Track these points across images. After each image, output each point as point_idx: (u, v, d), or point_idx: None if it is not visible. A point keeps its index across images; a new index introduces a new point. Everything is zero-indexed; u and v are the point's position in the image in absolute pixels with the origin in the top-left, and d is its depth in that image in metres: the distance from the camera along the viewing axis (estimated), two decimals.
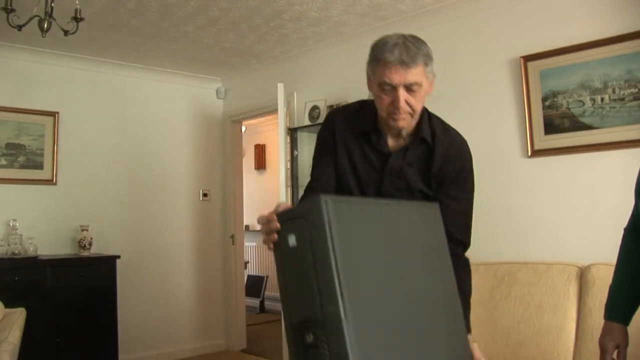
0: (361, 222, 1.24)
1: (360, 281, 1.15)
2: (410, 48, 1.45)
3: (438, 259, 1.41)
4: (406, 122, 1.50)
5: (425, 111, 1.57)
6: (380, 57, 1.46)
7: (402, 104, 1.44)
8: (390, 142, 1.57)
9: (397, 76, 1.42)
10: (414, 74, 1.43)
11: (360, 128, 1.58)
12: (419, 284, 1.30)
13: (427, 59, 1.48)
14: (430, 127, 1.57)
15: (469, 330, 1.45)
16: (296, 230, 1.17)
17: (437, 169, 1.53)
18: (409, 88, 1.44)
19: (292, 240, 1.18)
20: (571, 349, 2.52)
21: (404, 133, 1.54)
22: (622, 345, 1.50)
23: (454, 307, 1.36)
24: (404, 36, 1.48)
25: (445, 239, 1.41)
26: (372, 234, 1.26)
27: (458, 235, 1.54)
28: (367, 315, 1.12)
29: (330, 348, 1.10)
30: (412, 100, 1.45)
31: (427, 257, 1.38)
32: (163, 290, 4.75)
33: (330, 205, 1.15)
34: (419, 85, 1.44)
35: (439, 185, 1.55)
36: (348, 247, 1.15)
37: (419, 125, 1.54)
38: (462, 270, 1.52)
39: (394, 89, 1.44)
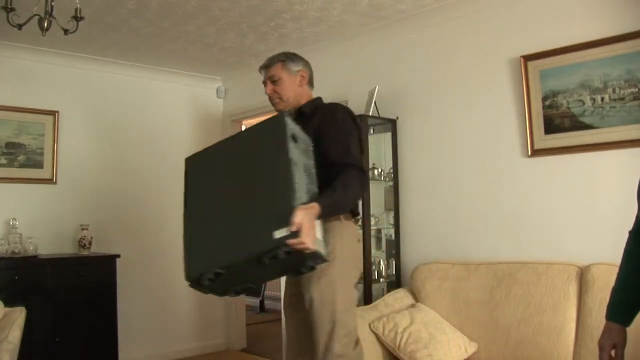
0: (203, 163, 2.14)
1: (196, 198, 2.06)
2: (270, 58, 2.29)
3: (267, 160, 1.89)
4: (281, 105, 2.25)
5: (317, 99, 2.31)
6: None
7: (270, 92, 2.26)
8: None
9: (263, 77, 2.29)
10: (271, 71, 2.25)
11: None
12: (235, 190, 1.94)
13: (284, 60, 2.25)
14: (316, 105, 2.25)
15: (320, 204, 1.84)
16: None
17: (316, 126, 2.12)
18: (272, 81, 2.24)
19: None
20: (571, 349, 2.52)
21: (290, 112, 2.20)
22: (619, 345, 1.52)
23: (272, 196, 1.82)
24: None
25: (284, 139, 1.87)
26: (208, 168, 2.10)
27: (339, 159, 2.02)
28: (195, 219, 2.02)
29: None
30: (277, 88, 2.24)
31: (252, 165, 1.94)
32: (163, 289, 4.75)
33: (188, 159, 2.18)
34: (279, 77, 2.23)
35: (320, 137, 2.07)
36: (195, 181, 2.10)
37: (304, 104, 2.25)
38: (340, 177, 1.97)
39: (265, 84, 2.28)
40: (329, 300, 2.04)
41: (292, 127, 1.97)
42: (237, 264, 1.83)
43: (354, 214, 2.25)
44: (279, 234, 1.72)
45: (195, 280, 1.90)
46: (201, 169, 2.13)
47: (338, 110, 2.19)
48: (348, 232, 2.15)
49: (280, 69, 2.23)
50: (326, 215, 1.90)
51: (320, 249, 1.88)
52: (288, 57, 2.27)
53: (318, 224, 1.88)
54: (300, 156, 1.94)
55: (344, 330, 2.04)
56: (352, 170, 2.01)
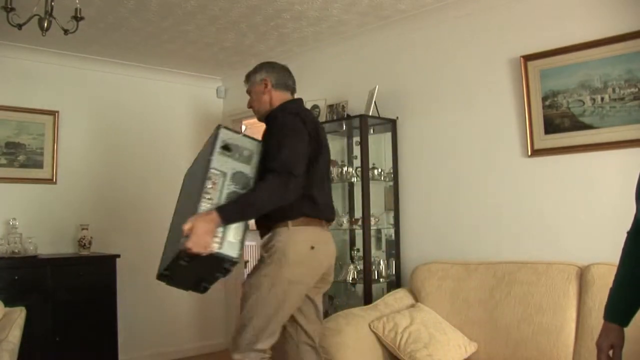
0: (189, 174, 2.50)
1: (176, 208, 2.41)
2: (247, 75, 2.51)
3: (202, 169, 2.08)
4: (257, 115, 2.48)
5: (287, 102, 2.41)
6: None
7: (248, 106, 2.51)
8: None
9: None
10: (247, 87, 2.50)
11: None
12: (187, 199, 2.20)
13: (251, 75, 2.48)
14: (281, 108, 2.36)
15: (218, 210, 1.99)
16: None
17: (265, 131, 2.29)
18: (249, 95, 2.49)
19: None
20: (571, 349, 2.52)
21: (261, 120, 2.46)
22: (617, 345, 1.51)
23: (193, 201, 2.03)
24: None
25: (212, 150, 2.07)
26: (185, 179, 2.51)
27: (270, 165, 2.11)
28: (171, 226, 2.31)
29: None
30: (250, 101, 2.49)
31: (197, 175, 2.16)
32: (163, 289, 4.68)
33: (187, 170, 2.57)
34: (250, 91, 2.48)
35: (265, 142, 2.23)
36: (180, 192, 2.47)
37: (274, 109, 2.38)
38: (258, 183, 2.10)
39: None
40: (251, 297, 2.16)
41: (227, 137, 2.13)
42: (171, 266, 2.04)
43: (328, 219, 2.32)
44: (183, 240, 1.91)
45: (160, 280, 2.17)
46: (184, 181, 2.55)
47: (280, 113, 2.29)
48: (298, 237, 2.18)
49: (249, 84, 2.48)
50: (230, 221, 2.00)
51: (231, 252, 1.99)
52: (252, 71, 2.47)
53: (233, 228, 2.02)
54: (233, 164, 2.08)
55: (256, 328, 2.13)
56: (271, 175, 2.07)
